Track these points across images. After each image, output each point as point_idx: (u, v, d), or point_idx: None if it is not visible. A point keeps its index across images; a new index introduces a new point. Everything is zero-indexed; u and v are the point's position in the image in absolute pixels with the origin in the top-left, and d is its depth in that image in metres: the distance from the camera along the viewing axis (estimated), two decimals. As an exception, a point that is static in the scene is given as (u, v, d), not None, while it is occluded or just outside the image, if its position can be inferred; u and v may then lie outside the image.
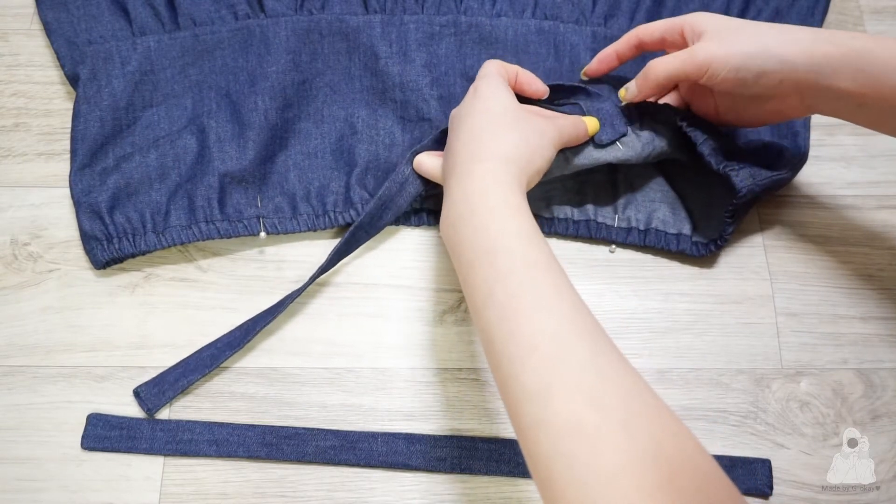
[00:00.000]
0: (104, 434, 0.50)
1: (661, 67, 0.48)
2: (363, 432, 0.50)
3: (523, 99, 0.51)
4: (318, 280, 0.55)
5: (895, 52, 0.43)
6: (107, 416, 0.51)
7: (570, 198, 0.55)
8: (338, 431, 0.50)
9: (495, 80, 0.49)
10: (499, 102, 0.47)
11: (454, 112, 0.50)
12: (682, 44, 0.50)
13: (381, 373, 0.53)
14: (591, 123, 0.51)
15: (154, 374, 0.52)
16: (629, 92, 0.51)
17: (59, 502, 0.49)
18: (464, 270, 0.41)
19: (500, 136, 0.45)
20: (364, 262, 0.55)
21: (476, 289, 0.40)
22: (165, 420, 0.51)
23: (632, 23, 0.57)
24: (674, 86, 0.52)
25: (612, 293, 0.55)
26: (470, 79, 0.56)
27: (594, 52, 0.55)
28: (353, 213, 0.54)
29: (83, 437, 0.50)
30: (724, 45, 0.46)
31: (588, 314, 0.37)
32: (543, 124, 0.47)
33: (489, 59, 0.56)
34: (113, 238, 0.53)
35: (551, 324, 0.36)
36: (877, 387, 0.52)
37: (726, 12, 0.57)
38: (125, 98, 0.55)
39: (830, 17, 0.62)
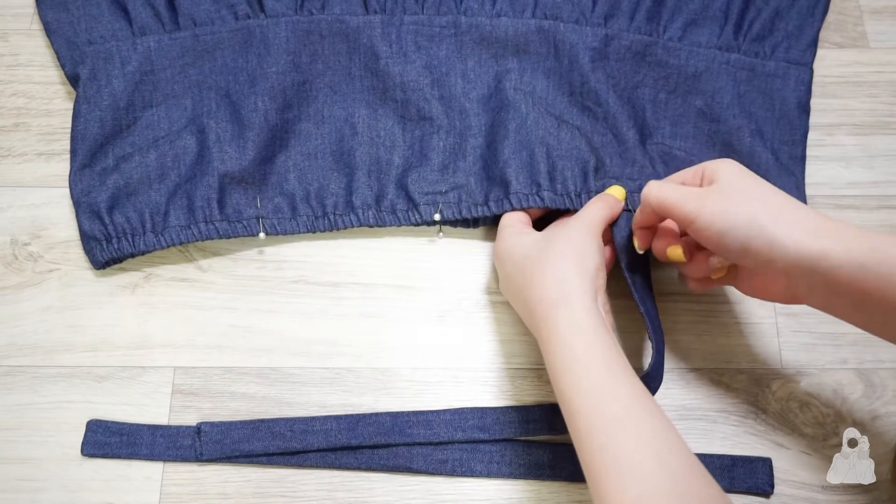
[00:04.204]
0: (104, 440, 0.50)
1: (654, 192, 0.45)
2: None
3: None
4: (318, 280, 0.55)
5: None
6: (107, 422, 0.51)
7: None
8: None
9: (507, 231, 0.51)
10: (516, 249, 0.48)
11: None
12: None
13: (381, 373, 0.53)
14: (616, 192, 0.51)
15: (154, 375, 0.52)
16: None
17: (58, 502, 0.49)
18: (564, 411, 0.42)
19: (539, 281, 0.45)
20: (364, 262, 0.55)
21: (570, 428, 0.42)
22: (165, 426, 0.51)
23: (632, 22, 0.57)
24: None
25: (612, 293, 0.54)
26: (470, 80, 0.56)
27: (593, 51, 0.55)
28: (353, 217, 0.54)
29: (83, 443, 0.50)
30: (717, 205, 0.42)
31: (676, 465, 0.37)
32: (567, 229, 0.47)
33: (490, 59, 0.56)
34: (112, 238, 0.53)
35: (632, 490, 0.37)
36: (877, 387, 0.52)
37: (726, 12, 0.57)
38: (125, 98, 0.55)
39: (830, 17, 0.62)
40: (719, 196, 0.42)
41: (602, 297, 0.46)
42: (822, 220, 0.40)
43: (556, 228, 0.49)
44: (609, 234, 0.52)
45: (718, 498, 0.37)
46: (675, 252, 0.47)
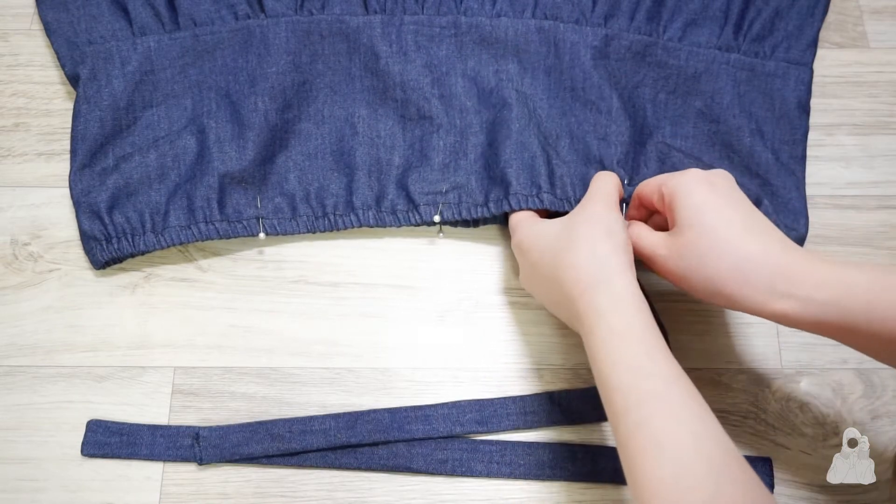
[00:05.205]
0: (104, 440, 0.50)
1: (634, 242, 0.47)
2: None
3: None
4: (318, 280, 0.55)
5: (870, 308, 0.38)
6: (107, 422, 0.50)
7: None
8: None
9: (524, 222, 0.51)
10: (541, 238, 0.48)
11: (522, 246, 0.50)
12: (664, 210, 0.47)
13: (381, 373, 0.53)
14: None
15: (154, 375, 0.52)
16: None
17: (58, 502, 0.49)
18: (602, 390, 0.42)
19: (573, 262, 0.45)
20: (364, 262, 0.55)
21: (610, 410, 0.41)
22: (165, 426, 0.51)
23: (632, 22, 0.57)
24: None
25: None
26: (471, 80, 0.56)
27: (594, 50, 0.56)
28: (353, 217, 0.54)
29: (83, 443, 0.50)
30: (678, 266, 0.44)
31: (712, 447, 0.37)
32: (589, 208, 0.47)
33: (490, 59, 0.56)
34: (112, 238, 0.53)
35: (668, 469, 0.36)
36: (877, 387, 0.52)
37: (726, 12, 0.57)
38: (125, 98, 0.55)
39: (830, 17, 0.62)
40: (677, 254, 0.44)
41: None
42: (777, 275, 0.41)
43: (577, 211, 0.48)
44: None
45: (753, 481, 0.37)
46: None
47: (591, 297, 0.43)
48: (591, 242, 0.45)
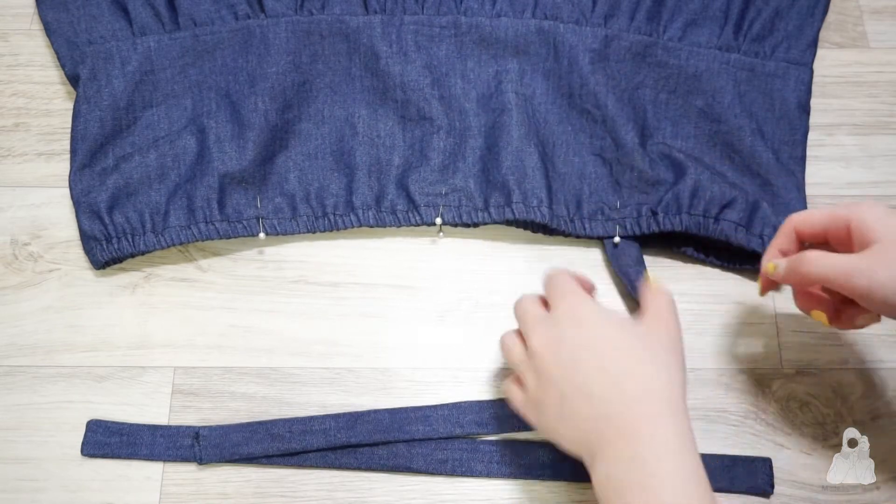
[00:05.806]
0: (104, 440, 0.50)
1: (816, 271, 0.41)
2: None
3: None
4: (318, 280, 0.55)
5: None
6: (107, 422, 0.50)
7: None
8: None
9: (583, 297, 0.44)
10: (613, 324, 0.43)
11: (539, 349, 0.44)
12: (847, 241, 0.42)
13: (381, 373, 0.53)
14: (656, 283, 0.47)
15: (154, 375, 0.52)
16: (777, 270, 0.45)
17: (58, 502, 0.49)
18: None
19: (643, 367, 0.41)
20: (364, 262, 0.55)
21: None
22: (165, 426, 0.51)
23: (632, 22, 0.57)
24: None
25: (612, 293, 0.55)
26: (470, 81, 0.56)
27: (593, 52, 0.56)
28: (353, 217, 0.54)
29: (83, 443, 0.50)
30: (890, 279, 0.39)
31: None
32: (663, 327, 0.43)
33: (489, 60, 0.56)
34: (112, 238, 0.53)
35: None
36: (877, 387, 0.52)
37: (726, 12, 0.57)
38: (125, 98, 0.55)
39: (830, 17, 0.62)
40: (887, 266, 0.39)
41: None
42: None
43: (653, 326, 0.44)
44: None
45: None
46: (819, 317, 0.46)
47: (656, 424, 0.39)
48: (672, 369, 0.42)
